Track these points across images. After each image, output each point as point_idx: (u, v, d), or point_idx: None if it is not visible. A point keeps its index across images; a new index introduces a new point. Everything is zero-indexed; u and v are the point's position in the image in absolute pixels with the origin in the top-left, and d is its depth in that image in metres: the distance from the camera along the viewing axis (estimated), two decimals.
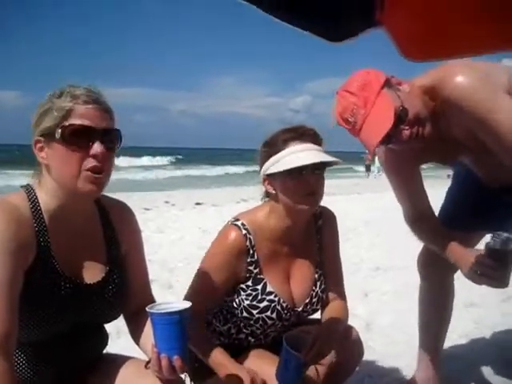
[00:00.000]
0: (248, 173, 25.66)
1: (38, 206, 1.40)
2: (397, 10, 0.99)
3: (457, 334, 3.02)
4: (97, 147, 1.34)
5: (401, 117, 1.73)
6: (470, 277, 1.92)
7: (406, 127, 1.75)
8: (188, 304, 1.35)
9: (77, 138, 1.32)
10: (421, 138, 1.78)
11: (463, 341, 3.06)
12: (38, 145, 1.37)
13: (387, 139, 1.75)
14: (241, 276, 1.80)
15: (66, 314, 1.41)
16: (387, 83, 1.77)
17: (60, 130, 1.32)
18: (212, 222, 7.41)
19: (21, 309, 1.30)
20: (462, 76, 1.73)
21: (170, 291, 4.12)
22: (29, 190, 1.42)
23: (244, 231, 1.78)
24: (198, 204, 11.28)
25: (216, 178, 24.29)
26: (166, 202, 11.45)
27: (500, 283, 1.86)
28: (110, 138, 1.39)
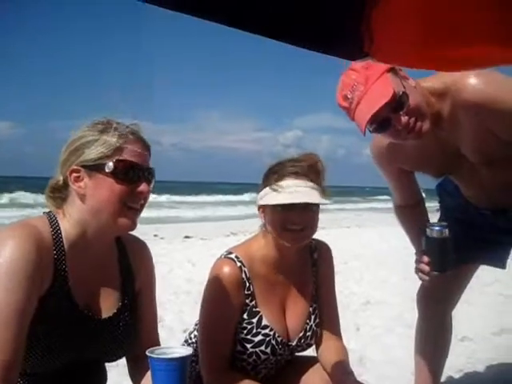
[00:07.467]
0: (237, 206, 25.59)
1: (60, 233, 1.38)
2: (387, 45, 1.00)
3: (450, 369, 2.99)
4: (144, 186, 1.39)
5: (401, 101, 1.67)
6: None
7: (405, 115, 1.68)
8: (190, 351, 1.30)
9: (127, 174, 1.36)
10: (418, 132, 1.71)
11: (457, 375, 3.03)
12: (75, 174, 1.36)
13: (382, 122, 1.70)
14: (241, 309, 1.76)
15: (72, 346, 1.38)
16: (393, 70, 1.71)
17: (112, 164, 1.34)
18: (201, 256, 7.35)
19: (27, 336, 1.27)
20: (478, 75, 1.68)
21: (160, 325, 4.04)
22: (51, 216, 1.41)
23: (239, 263, 1.75)
24: (187, 237, 11.18)
25: (205, 212, 24.21)
26: (155, 236, 11.36)
27: (442, 268, 1.94)
28: (151, 177, 1.44)
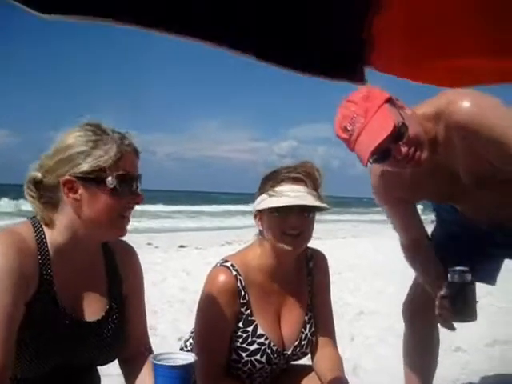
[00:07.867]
0: (233, 216, 25.56)
1: (44, 238, 1.39)
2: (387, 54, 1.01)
3: (444, 380, 2.99)
4: (140, 195, 1.42)
5: (400, 132, 1.68)
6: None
7: (405, 145, 1.70)
8: (193, 358, 1.29)
9: (125, 188, 1.37)
10: (417, 161, 1.73)
11: None
12: (69, 185, 1.35)
13: (383, 153, 1.71)
14: (236, 318, 1.76)
15: (59, 350, 1.38)
16: (391, 100, 1.73)
17: (111, 179, 1.34)
18: (196, 265, 7.34)
19: (16, 342, 1.28)
20: (472, 99, 1.70)
21: (152, 333, 4.02)
22: (35, 222, 1.41)
23: (234, 272, 1.75)
24: (181, 247, 11.15)
25: (200, 221, 24.17)
26: (149, 244, 11.31)
27: (465, 316, 1.89)
28: (140, 183, 1.45)
